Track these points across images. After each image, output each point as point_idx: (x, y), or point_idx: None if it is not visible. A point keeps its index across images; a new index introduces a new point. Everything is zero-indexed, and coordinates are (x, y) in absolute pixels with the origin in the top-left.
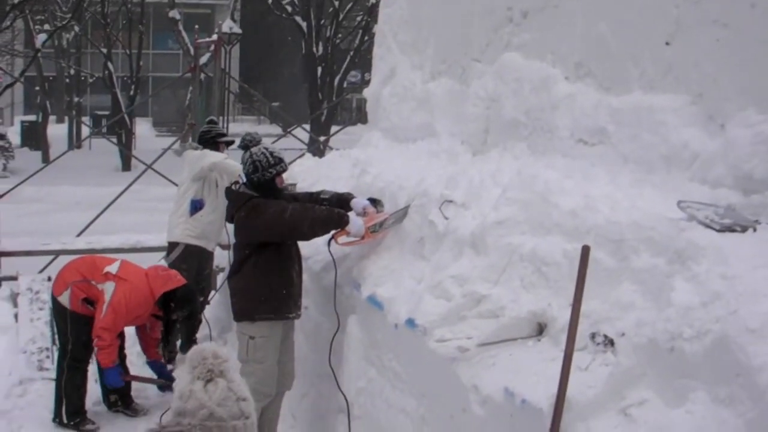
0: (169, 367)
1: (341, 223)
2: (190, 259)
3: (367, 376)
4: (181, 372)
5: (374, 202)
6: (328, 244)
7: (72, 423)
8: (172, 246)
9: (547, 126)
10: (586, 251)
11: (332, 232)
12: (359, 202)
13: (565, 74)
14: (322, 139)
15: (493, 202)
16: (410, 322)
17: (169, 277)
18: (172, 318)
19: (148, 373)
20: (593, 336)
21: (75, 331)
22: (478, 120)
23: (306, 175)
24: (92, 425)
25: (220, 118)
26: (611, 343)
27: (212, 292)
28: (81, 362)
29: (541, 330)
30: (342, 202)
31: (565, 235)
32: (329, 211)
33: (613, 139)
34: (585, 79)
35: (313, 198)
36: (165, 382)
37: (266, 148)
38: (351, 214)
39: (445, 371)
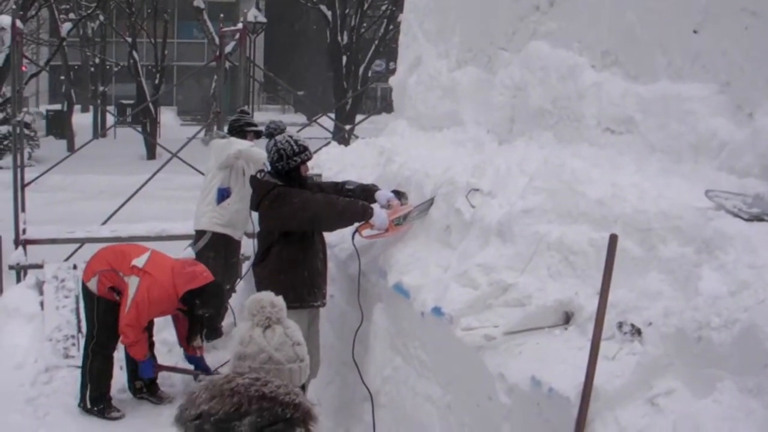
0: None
1: (365, 215)
2: (218, 248)
3: (393, 364)
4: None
5: (398, 194)
6: (352, 236)
7: (96, 409)
8: (199, 234)
9: (574, 115)
10: (613, 240)
11: (356, 224)
12: (383, 194)
13: (592, 63)
14: (347, 127)
15: (520, 191)
16: (437, 311)
17: (195, 275)
18: (197, 314)
19: (173, 361)
20: (620, 325)
21: (102, 317)
22: (505, 109)
23: (332, 163)
24: (117, 412)
25: (245, 107)
26: (638, 332)
27: (238, 280)
28: (106, 348)
29: (567, 319)
30: (366, 193)
31: (592, 224)
32: (353, 204)
33: (641, 128)
34: (612, 68)
35: (338, 188)
36: (199, 372)
37: (291, 137)
38: (375, 207)
39: (472, 360)
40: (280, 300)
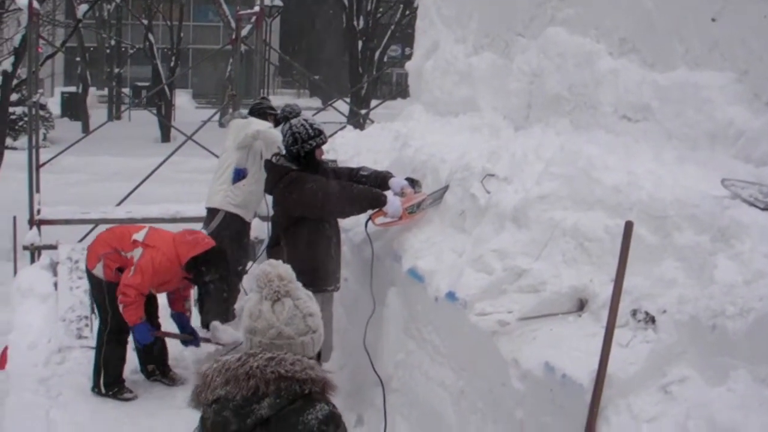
0: (205, 333)
1: (379, 203)
2: (230, 228)
3: (406, 348)
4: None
5: (412, 182)
6: (366, 224)
7: (110, 393)
8: (211, 212)
9: (591, 102)
10: (629, 227)
11: (369, 212)
12: (397, 181)
13: (609, 50)
14: (363, 112)
15: (536, 177)
16: (451, 296)
17: (197, 242)
18: (205, 281)
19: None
20: (634, 312)
21: (112, 302)
22: (521, 95)
23: (347, 147)
24: (130, 394)
25: (261, 90)
26: (652, 319)
27: (250, 263)
28: (120, 334)
29: (582, 305)
30: (380, 180)
31: (607, 210)
32: (367, 191)
33: (657, 116)
34: (629, 55)
35: (353, 174)
36: (190, 337)
37: (306, 120)
38: (389, 194)
39: (485, 345)
40: (288, 272)
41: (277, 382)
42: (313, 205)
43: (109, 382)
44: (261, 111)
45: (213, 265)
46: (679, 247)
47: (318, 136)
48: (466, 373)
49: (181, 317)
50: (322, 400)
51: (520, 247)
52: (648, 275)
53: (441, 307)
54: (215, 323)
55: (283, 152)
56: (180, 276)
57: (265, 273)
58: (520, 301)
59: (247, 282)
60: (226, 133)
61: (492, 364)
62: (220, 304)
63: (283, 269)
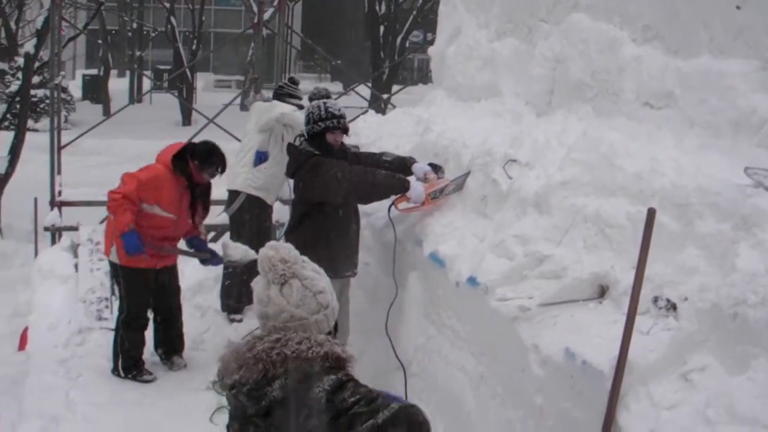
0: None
1: (402, 188)
2: (251, 210)
3: (427, 333)
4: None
5: (435, 167)
6: (389, 209)
7: (129, 376)
8: (232, 195)
9: (613, 88)
10: (651, 214)
11: (392, 197)
12: (420, 167)
13: (633, 37)
14: (385, 96)
15: (558, 163)
16: (472, 281)
17: (175, 146)
18: (202, 177)
19: (206, 326)
20: (656, 300)
21: (128, 286)
22: (544, 81)
23: (369, 131)
24: (150, 375)
25: (283, 75)
26: (674, 307)
27: None
28: (138, 319)
29: (602, 292)
30: (403, 165)
31: (629, 197)
32: (390, 176)
33: (680, 103)
34: (652, 42)
35: (375, 159)
36: (207, 255)
37: (324, 103)
38: (411, 179)
39: (506, 330)
40: (291, 253)
41: (284, 363)
42: (336, 190)
43: (127, 365)
44: (281, 97)
45: (201, 157)
46: (701, 235)
47: (330, 119)
48: (486, 359)
49: (196, 240)
50: (336, 373)
51: (542, 232)
52: (669, 262)
53: (462, 292)
54: (226, 240)
55: (306, 136)
56: (176, 184)
57: (268, 257)
58: (541, 286)
59: None
60: (248, 116)
61: (512, 349)
62: (240, 287)
63: (285, 251)
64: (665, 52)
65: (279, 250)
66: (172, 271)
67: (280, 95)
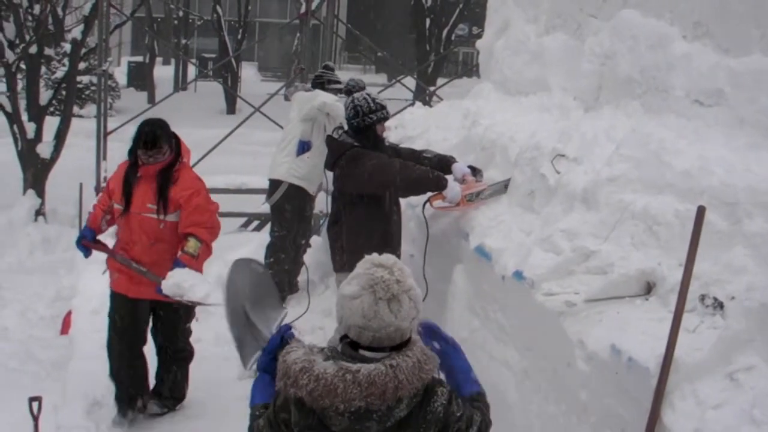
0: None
1: (439, 185)
2: (293, 200)
3: (470, 326)
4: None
5: (474, 170)
6: (423, 206)
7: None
8: (274, 184)
9: (662, 85)
10: (701, 212)
11: (428, 194)
12: (460, 168)
13: (683, 33)
14: (431, 89)
15: (606, 159)
16: (518, 275)
17: None
18: (142, 160)
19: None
20: (703, 298)
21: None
22: (592, 76)
23: (416, 123)
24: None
25: (330, 62)
26: (721, 306)
27: (312, 235)
28: (112, 350)
29: (649, 289)
30: (443, 164)
31: (677, 195)
32: (428, 172)
33: (731, 102)
34: (703, 39)
35: (416, 156)
36: (155, 277)
37: (368, 94)
38: (449, 179)
39: (551, 325)
40: (405, 272)
41: (410, 383)
42: (373, 182)
43: (120, 397)
44: (321, 85)
45: (145, 129)
46: (750, 235)
47: (379, 110)
48: (531, 353)
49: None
50: (437, 383)
51: (589, 228)
52: (717, 261)
53: (508, 286)
54: (184, 276)
55: (346, 127)
56: (129, 172)
57: (383, 280)
58: (588, 282)
59: (309, 256)
60: (290, 106)
61: (557, 344)
62: (282, 276)
63: (399, 272)
64: (716, 50)
65: (394, 271)
66: (159, 307)
67: (320, 83)
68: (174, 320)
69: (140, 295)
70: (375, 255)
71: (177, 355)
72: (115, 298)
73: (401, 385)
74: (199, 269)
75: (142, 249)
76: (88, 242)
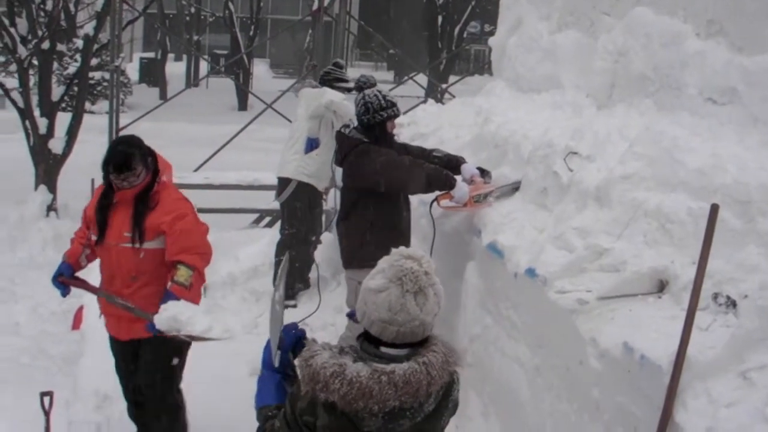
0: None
1: (447, 185)
2: (303, 197)
3: (483, 323)
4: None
5: (483, 172)
6: (430, 205)
7: None
8: (283, 182)
9: (676, 83)
10: (715, 210)
11: (436, 193)
12: (469, 168)
13: (697, 31)
14: (443, 86)
15: (619, 156)
16: (530, 272)
17: None
18: (116, 184)
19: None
20: (715, 296)
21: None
22: (605, 74)
23: (428, 120)
24: None
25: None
26: (733, 304)
27: (322, 231)
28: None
29: (662, 287)
30: (452, 164)
31: (690, 193)
32: (437, 171)
33: (744, 100)
34: (717, 37)
35: (425, 154)
36: (147, 316)
37: (379, 91)
38: (458, 179)
39: (564, 323)
40: (432, 265)
41: (440, 379)
42: (381, 178)
43: None
44: (329, 83)
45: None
46: (763, 233)
47: (390, 107)
48: (543, 351)
49: (169, 296)
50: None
51: (602, 225)
52: (730, 259)
53: (520, 283)
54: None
55: (355, 124)
56: (103, 196)
57: (412, 271)
58: (600, 280)
59: (320, 252)
60: (298, 101)
61: (569, 342)
62: (294, 275)
63: (427, 264)
64: (729, 48)
65: (422, 263)
66: (141, 346)
67: (328, 80)
68: (154, 362)
69: (132, 336)
70: (403, 248)
71: (160, 405)
72: (111, 341)
73: (433, 381)
74: (195, 300)
75: (122, 282)
76: (65, 279)
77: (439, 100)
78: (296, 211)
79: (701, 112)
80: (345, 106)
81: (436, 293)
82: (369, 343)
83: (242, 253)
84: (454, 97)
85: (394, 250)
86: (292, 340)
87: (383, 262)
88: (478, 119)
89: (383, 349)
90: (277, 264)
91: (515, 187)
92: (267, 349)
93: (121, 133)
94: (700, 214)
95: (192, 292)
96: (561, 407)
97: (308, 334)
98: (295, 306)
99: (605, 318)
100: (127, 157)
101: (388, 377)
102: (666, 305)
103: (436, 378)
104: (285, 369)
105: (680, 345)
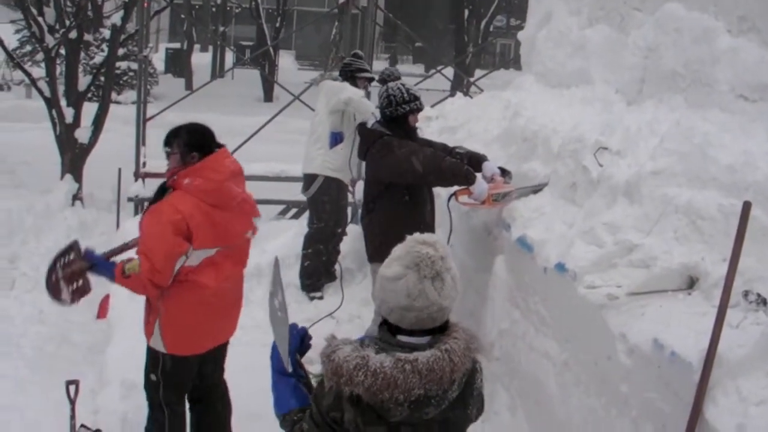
0: None
1: (467, 180)
2: (330, 192)
3: (511, 317)
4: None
5: (504, 172)
6: (448, 200)
7: None
8: (309, 178)
9: (707, 79)
10: (747, 207)
11: (455, 188)
12: (490, 166)
13: (728, 27)
14: (471, 79)
15: (650, 152)
16: (560, 267)
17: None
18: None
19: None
20: (746, 294)
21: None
22: (635, 69)
23: (456, 114)
24: None
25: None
26: (764, 302)
27: (348, 223)
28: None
29: (692, 283)
30: (473, 161)
31: (721, 189)
32: (457, 165)
33: None
34: (748, 34)
35: (447, 150)
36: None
37: (403, 84)
38: (478, 176)
39: (593, 318)
40: (447, 250)
41: (462, 365)
42: (403, 170)
43: None
44: (351, 74)
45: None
46: None
47: (413, 101)
48: (571, 346)
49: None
50: (475, 360)
51: (632, 221)
52: (761, 257)
53: (549, 277)
54: None
55: (377, 117)
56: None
57: (428, 256)
58: (630, 275)
59: (346, 245)
60: (318, 93)
61: (599, 337)
62: (319, 267)
63: (442, 249)
64: (761, 45)
65: (437, 248)
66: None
67: (350, 71)
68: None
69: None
70: (417, 234)
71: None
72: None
73: (456, 367)
74: (121, 283)
75: None
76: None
77: (466, 93)
78: (324, 205)
79: (732, 109)
80: (364, 103)
81: (453, 278)
82: (389, 333)
83: (269, 245)
84: (481, 90)
85: (408, 237)
86: (297, 340)
87: (398, 249)
88: (507, 113)
89: (404, 339)
90: (304, 257)
91: (536, 190)
92: (274, 355)
93: (147, 124)
94: (730, 210)
95: (126, 281)
96: (589, 402)
97: (335, 327)
98: (321, 298)
99: (635, 314)
100: (172, 131)
101: (411, 366)
102: (696, 302)
103: (459, 364)
104: (296, 370)
105: (711, 342)
